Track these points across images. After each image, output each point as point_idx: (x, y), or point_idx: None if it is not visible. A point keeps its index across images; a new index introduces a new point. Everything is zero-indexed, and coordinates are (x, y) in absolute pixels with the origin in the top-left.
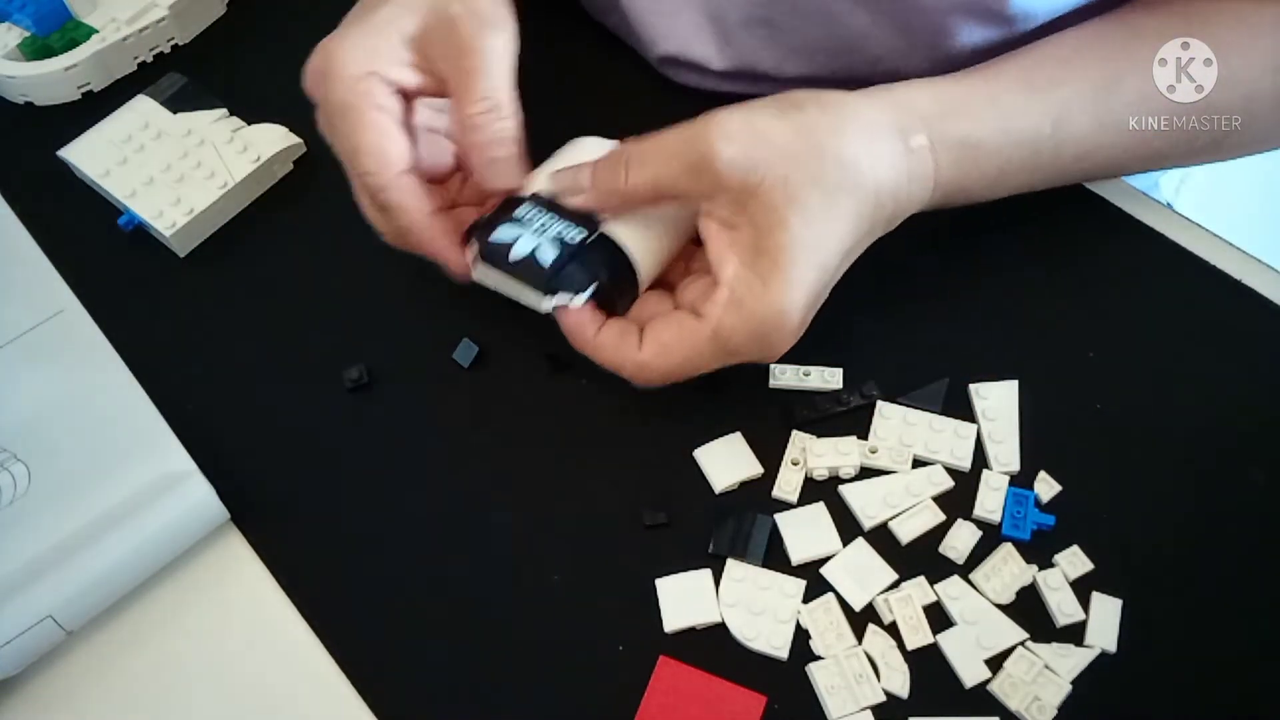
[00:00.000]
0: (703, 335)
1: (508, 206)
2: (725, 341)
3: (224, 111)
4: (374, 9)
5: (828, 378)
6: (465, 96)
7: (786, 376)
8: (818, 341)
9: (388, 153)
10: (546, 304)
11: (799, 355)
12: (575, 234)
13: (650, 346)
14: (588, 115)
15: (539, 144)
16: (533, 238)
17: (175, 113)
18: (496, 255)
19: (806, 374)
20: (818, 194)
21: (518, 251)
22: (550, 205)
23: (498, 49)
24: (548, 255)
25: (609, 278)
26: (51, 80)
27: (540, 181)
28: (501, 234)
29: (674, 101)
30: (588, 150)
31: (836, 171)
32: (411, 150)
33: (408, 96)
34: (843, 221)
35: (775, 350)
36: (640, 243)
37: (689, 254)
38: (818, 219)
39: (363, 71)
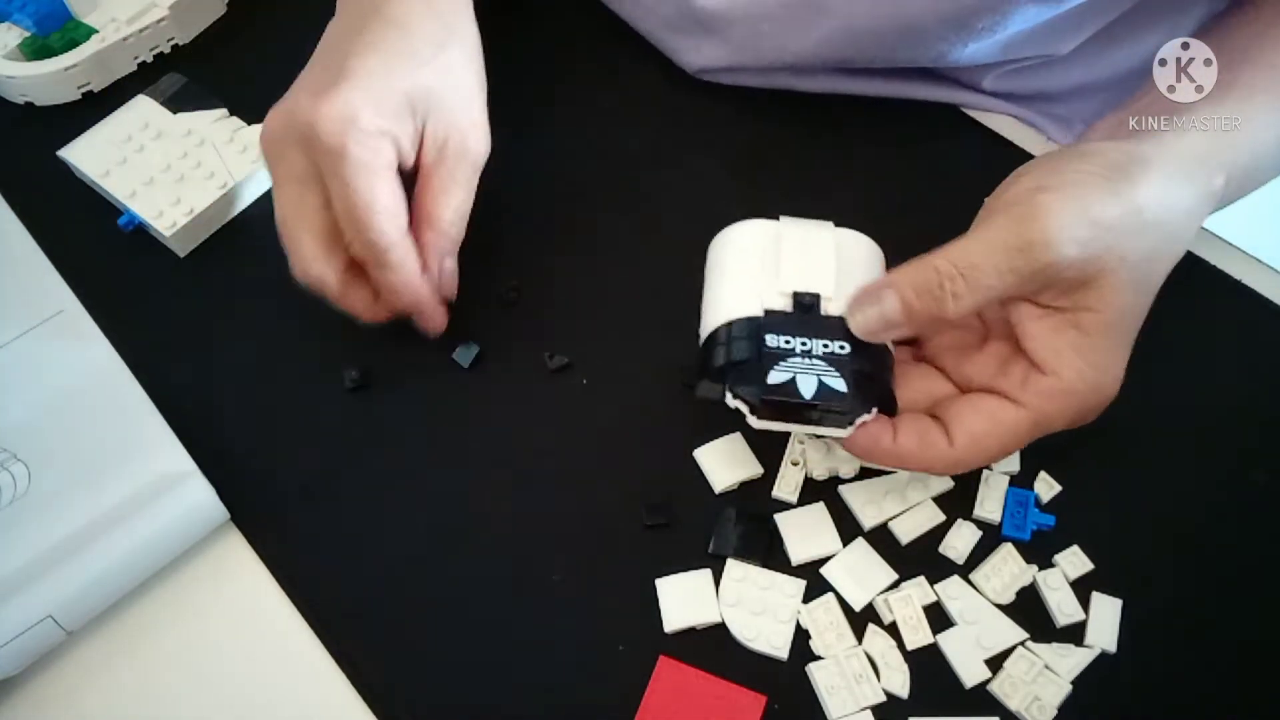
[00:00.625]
0: (1025, 423)
1: (737, 340)
2: (1049, 425)
3: (224, 111)
4: (391, 38)
5: None
6: (445, 203)
7: None
8: None
9: (395, 212)
10: (847, 431)
11: None
12: (838, 345)
13: (962, 440)
14: (633, 128)
15: (586, 158)
16: (807, 368)
17: (175, 113)
18: (783, 402)
19: None
20: (1142, 268)
21: (806, 392)
22: (787, 321)
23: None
24: (836, 383)
25: (885, 373)
26: (51, 80)
27: (743, 297)
28: (775, 378)
29: (707, 103)
30: (788, 242)
31: (1163, 244)
32: (405, 216)
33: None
34: (1155, 284)
35: (1090, 420)
36: None
37: (953, 354)
38: (1142, 289)
39: (380, 128)
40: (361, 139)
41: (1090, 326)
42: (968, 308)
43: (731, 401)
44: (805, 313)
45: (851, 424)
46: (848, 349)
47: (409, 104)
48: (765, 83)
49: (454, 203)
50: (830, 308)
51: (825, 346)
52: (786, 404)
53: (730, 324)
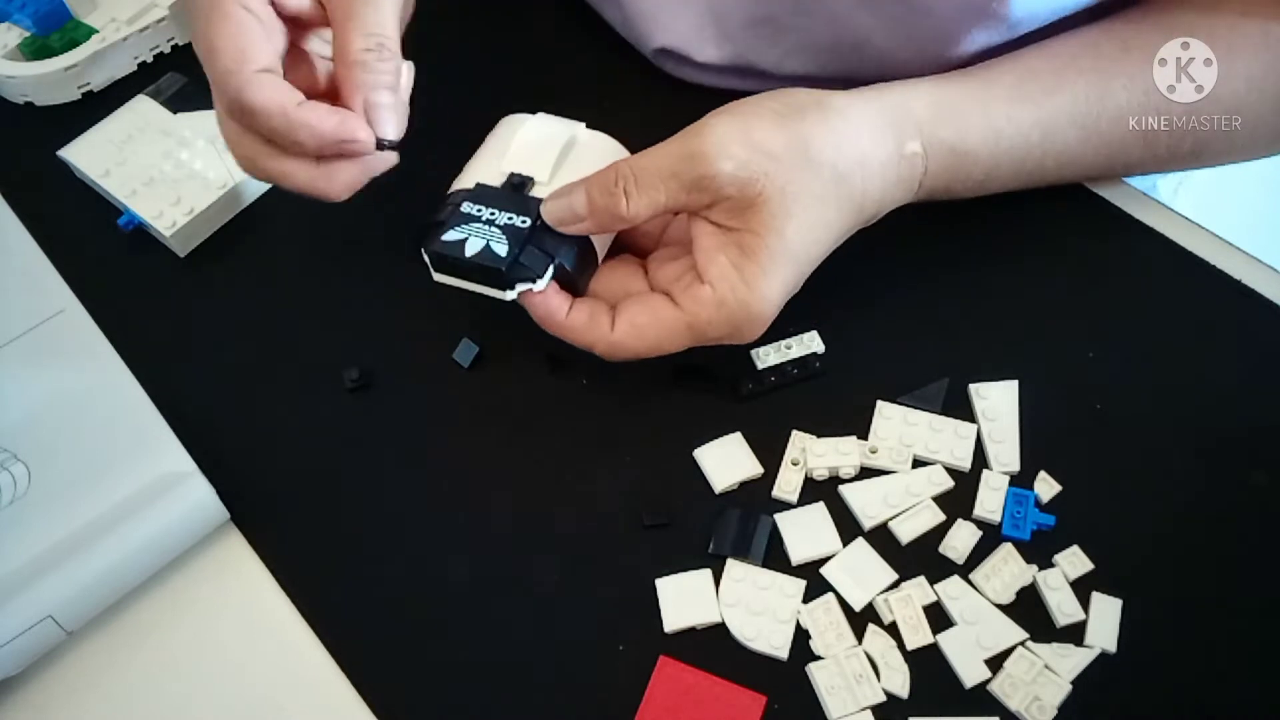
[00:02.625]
0: (679, 324)
1: (450, 205)
2: (700, 332)
3: None
4: None
5: (807, 342)
6: (351, 29)
7: (771, 358)
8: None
9: (245, 49)
10: (509, 295)
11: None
12: (523, 220)
13: (623, 326)
14: (579, 106)
15: None
16: (482, 233)
17: (175, 113)
18: (449, 260)
19: (789, 347)
20: (810, 204)
21: (469, 251)
22: (494, 194)
23: None
24: (500, 248)
25: (567, 255)
26: (51, 80)
27: (480, 172)
28: (450, 235)
29: (668, 94)
30: (531, 132)
31: (831, 184)
32: (276, 54)
33: (294, 23)
34: (828, 229)
35: (746, 339)
36: None
37: (655, 233)
38: (806, 226)
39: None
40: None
41: (750, 248)
42: (640, 208)
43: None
44: (514, 191)
45: (510, 288)
46: (528, 223)
47: None
48: (719, 82)
49: (360, 29)
50: (540, 192)
51: (510, 219)
52: (452, 259)
53: (449, 194)
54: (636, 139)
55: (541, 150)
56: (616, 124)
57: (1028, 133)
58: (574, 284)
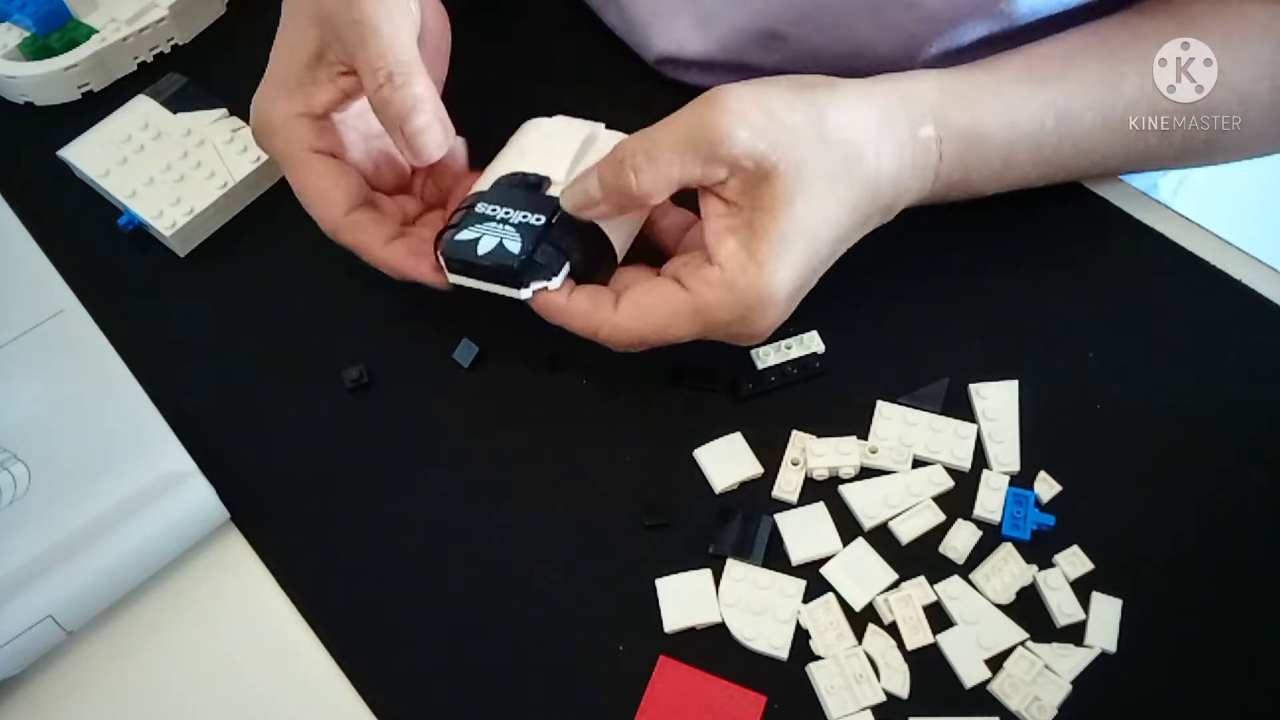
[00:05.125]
0: (686, 305)
1: (463, 207)
2: (707, 316)
3: (224, 111)
4: (276, 46)
5: (807, 342)
6: (362, 74)
7: (771, 358)
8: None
9: (330, 195)
10: (525, 294)
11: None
12: (538, 217)
13: (627, 308)
14: (582, 112)
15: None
16: (495, 232)
17: (175, 113)
18: (462, 259)
19: (789, 347)
20: (824, 182)
21: (482, 250)
22: (510, 194)
23: (382, 13)
24: (514, 246)
25: (583, 253)
26: (51, 80)
27: (498, 174)
28: (463, 235)
29: (670, 97)
30: (549, 133)
31: (844, 162)
32: (356, 185)
33: (339, 109)
34: (843, 211)
35: (754, 332)
36: None
37: (676, 232)
38: (818, 207)
39: (287, 116)
40: (273, 139)
41: (760, 226)
42: (650, 183)
43: (442, 260)
44: (530, 190)
45: (525, 286)
46: (543, 221)
47: (307, 61)
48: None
49: (365, 66)
50: (557, 191)
51: (524, 217)
52: (465, 260)
53: (466, 197)
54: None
55: (558, 150)
56: (620, 129)
57: (1042, 115)
58: (592, 284)
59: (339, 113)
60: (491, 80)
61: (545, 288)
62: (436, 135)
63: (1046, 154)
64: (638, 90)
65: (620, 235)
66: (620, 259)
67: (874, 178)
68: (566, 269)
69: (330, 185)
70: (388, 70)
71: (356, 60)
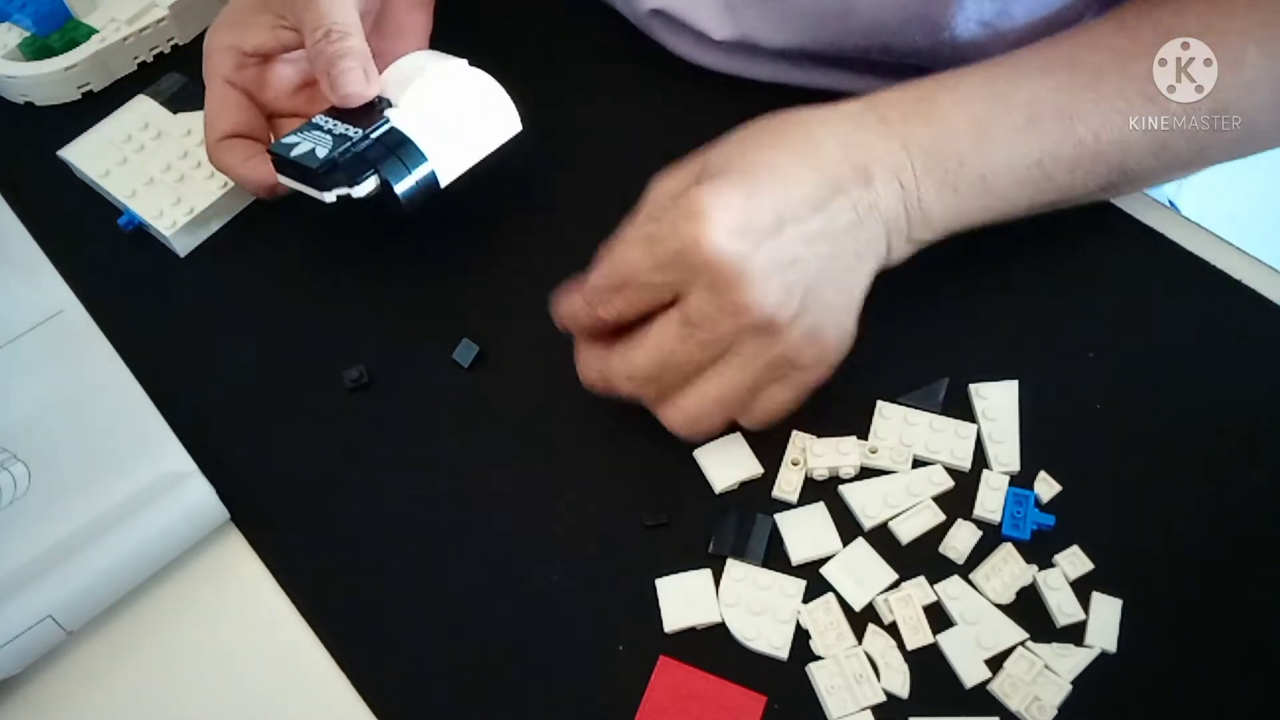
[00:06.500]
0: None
1: (311, 117)
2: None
3: None
4: None
5: None
6: (304, 30)
7: None
8: None
9: (216, 120)
10: (329, 197)
11: None
12: (356, 130)
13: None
14: (567, 79)
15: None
16: (315, 139)
17: (175, 113)
18: (278, 156)
19: None
20: (755, 137)
21: (294, 153)
22: (349, 112)
23: None
24: (321, 152)
25: (393, 172)
26: (51, 80)
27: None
28: (288, 139)
29: (654, 65)
30: (402, 63)
31: (776, 128)
32: (246, 118)
33: (272, 56)
34: (778, 155)
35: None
36: (427, 127)
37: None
38: (750, 149)
39: (219, 46)
40: (205, 63)
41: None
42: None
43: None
44: (366, 110)
45: (327, 190)
46: (359, 134)
47: (261, 3)
48: (759, 74)
49: (308, 25)
50: (395, 114)
51: (345, 130)
52: (280, 158)
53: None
54: (624, 115)
55: (405, 77)
56: (606, 100)
57: (1012, 107)
58: (409, 195)
59: (275, 60)
60: (526, 89)
61: (349, 195)
62: (358, 76)
63: (1030, 146)
64: (618, 56)
65: (437, 153)
66: (445, 182)
67: (810, 131)
68: (374, 181)
69: (220, 111)
70: (326, 28)
71: (302, 20)
